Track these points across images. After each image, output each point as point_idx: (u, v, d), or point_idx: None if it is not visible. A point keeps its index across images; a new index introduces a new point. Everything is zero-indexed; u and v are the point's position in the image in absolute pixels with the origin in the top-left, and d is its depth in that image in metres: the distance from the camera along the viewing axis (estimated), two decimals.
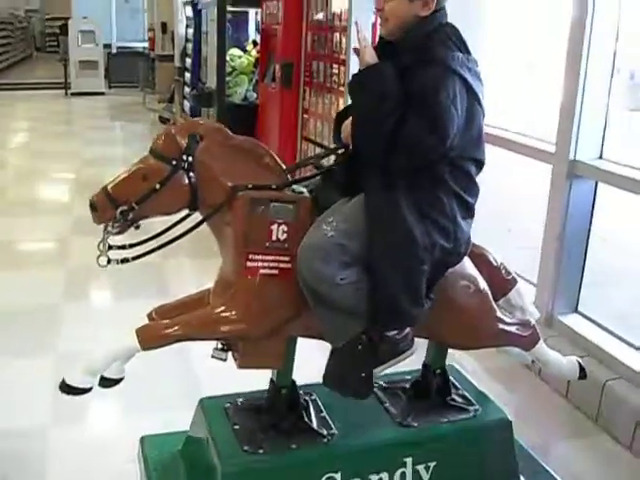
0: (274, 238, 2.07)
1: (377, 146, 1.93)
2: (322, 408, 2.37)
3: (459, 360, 3.06)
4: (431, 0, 1.99)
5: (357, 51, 2.00)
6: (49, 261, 4.86)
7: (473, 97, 1.98)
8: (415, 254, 1.98)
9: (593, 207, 3.40)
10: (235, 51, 6.97)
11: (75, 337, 3.58)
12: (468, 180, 2.06)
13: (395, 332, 2.13)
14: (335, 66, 4.68)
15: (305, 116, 5.25)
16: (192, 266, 4.71)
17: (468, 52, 2.03)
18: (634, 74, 14.18)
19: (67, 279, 4.43)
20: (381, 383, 2.53)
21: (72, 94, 14.01)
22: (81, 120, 11.52)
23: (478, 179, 2.11)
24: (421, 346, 2.34)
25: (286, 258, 2.06)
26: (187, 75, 8.96)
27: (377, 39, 2.16)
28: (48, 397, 2.91)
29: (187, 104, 8.80)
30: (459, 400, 2.47)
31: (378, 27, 2.10)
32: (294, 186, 2.15)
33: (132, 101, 13.35)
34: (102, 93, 14.29)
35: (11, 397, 3.10)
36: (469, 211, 2.09)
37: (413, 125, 1.88)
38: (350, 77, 2.08)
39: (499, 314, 2.33)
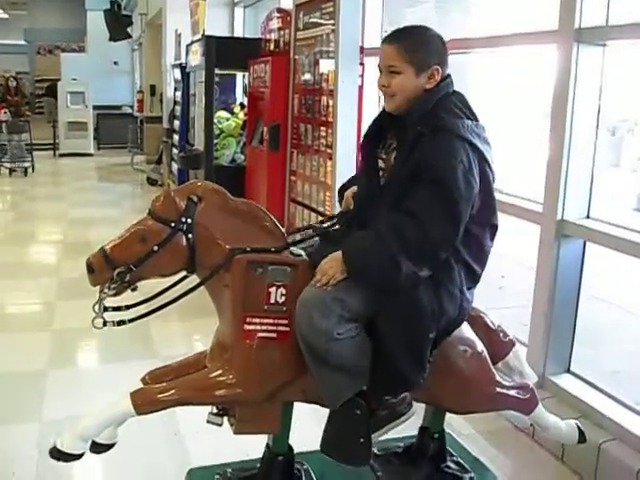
0: (272, 301, 2.05)
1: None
2: (314, 478, 2.32)
3: (454, 424, 3.01)
4: (436, 72, 2.02)
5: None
6: (34, 325, 4.78)
7: (484, 162, 1.99)
8: (423, 323, 1.96)
9: (582, 266, 3.39)
10: (222, 113, 7.04)
11: (60, 403, 3.49)
12: (479, 248, 2.06)
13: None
14: (322, 128, 4.72)
15: (292, 178, 5.28)
16: (180, 327, 4.63)
17: (476, 119, 2.03)
18: (615, 130, 14.43)
19: (52, 343, 4.35)
20: (374, 450, 2.47)
21: (61, 155, 14.08)
22: (69, 181, 11.52)
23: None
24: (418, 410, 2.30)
25: (284, 321, 2.05)
26: (175, 137, 9.02)
27: (380, 113, 2.16)
28: (32, 466, 2.81)
29: (175, 166, 8.83)
30: (454, 467, 2.43)
31: (382, 102, 2.11)
32: (292, 249, 2.14)
33: (120, 162, 13.40)
34: (91, 154, 14.35)
35: None
36: (474, 281, 2.09)
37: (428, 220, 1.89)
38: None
39: (498, 378, 2.31)
